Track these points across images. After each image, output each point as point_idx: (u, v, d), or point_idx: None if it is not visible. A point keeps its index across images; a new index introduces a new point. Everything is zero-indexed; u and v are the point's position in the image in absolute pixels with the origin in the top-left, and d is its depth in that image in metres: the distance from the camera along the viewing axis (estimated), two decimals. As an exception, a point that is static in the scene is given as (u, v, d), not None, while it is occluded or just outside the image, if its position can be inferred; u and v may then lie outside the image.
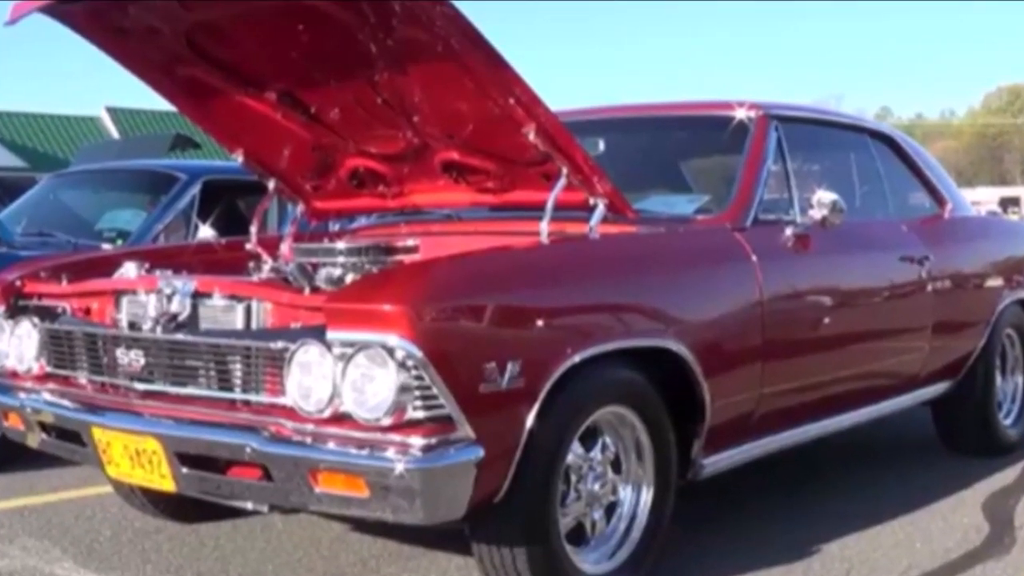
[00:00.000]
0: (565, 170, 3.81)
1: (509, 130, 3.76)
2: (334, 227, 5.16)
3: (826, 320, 4.50)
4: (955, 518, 4.71)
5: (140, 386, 3.66)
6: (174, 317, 3.58)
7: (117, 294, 3.84)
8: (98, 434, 3.68)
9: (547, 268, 3.57)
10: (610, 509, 3.72)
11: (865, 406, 4.97)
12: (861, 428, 5.13)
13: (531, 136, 3.73)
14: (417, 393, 3.05)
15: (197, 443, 3.43)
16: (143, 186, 7.12)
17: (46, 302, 4.09)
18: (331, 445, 3.16)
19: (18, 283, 4.15)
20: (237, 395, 3.42)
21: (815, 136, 5.17)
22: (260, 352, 3.35)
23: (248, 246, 4.63)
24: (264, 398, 3.35)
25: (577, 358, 3.38)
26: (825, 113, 5.74)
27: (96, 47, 4.07)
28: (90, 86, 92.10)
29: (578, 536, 3.62)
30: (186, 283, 3.62)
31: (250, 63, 4.05)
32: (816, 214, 4.41)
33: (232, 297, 3.55)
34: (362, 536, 4.40)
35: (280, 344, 3.28)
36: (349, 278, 3.72)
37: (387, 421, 3.06)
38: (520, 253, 3.67)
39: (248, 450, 3.26)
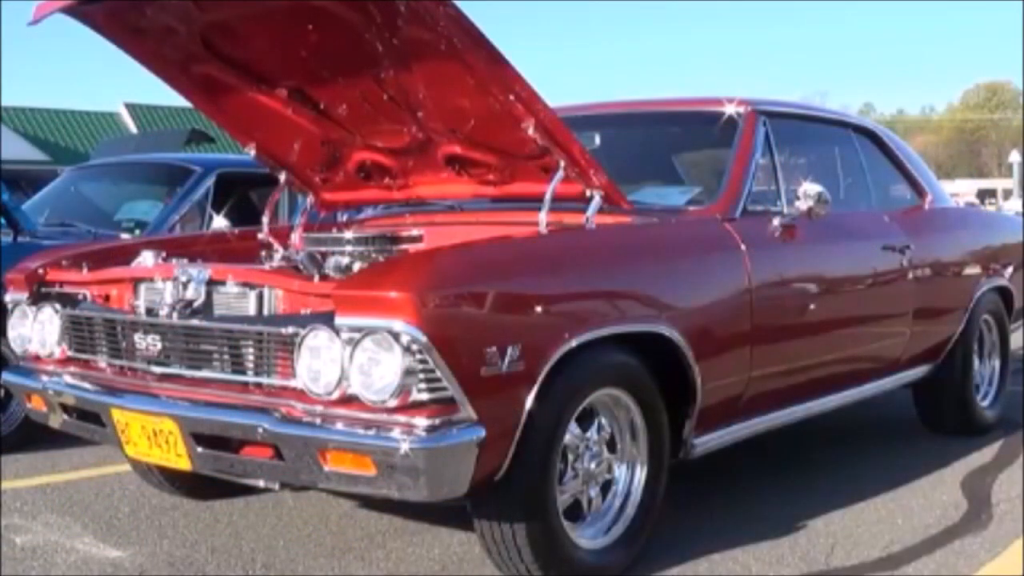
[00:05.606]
0: (563, 163, 3.81)
1: (509, 125, 3.75)
2: (342, 218, 5.14)
3: (812, 306, 4.50)
4: (935, 495, 4.71)
5: (157, 369, 3.65)
6: (189, 303, 3.57)
7: (135, 281, 3.83)
8: (117, 415, 3.68)
9: (546, 257, 3.57)
10: (606, 487, 3.72)
11: (849, 388, 4.97)
12: (846, 410, 5.13)
13: (530, 131, 3.72)
14: (421, 376, 3.04)
15: (212, 424, 3.43)
16: (160, 178, 7.11)
17: (67, 289, 4.09)
18: (339, 426, 3.16)
19: (41, 271, 4.14)
20: (250, 378, 3.42)
21: (801, 131, 5.16)
22: (272, 337, 3.34)
23: (260, 236, 4.63)
24: (275, 381, 3.35)
25: (574, 343, 3.37)
26: (811, 109, 5.73)
27: (115, 46, 4.05)
28: (109, 83, 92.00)
29: (575, 512, 3.62)
30: (201, 271, 3.62)
31: (262, 61, 4.04)
32: (802, 205, 4.40)
33: (245, 284, 3.54)
34: (369, 513, 4.40)
35: (291, 329, 3.27)
36: (356, 266, 3.72)
37: (393, 403, 3.06)
38: (520, 243, 3.66)
39: (260, 430, 3.26)
